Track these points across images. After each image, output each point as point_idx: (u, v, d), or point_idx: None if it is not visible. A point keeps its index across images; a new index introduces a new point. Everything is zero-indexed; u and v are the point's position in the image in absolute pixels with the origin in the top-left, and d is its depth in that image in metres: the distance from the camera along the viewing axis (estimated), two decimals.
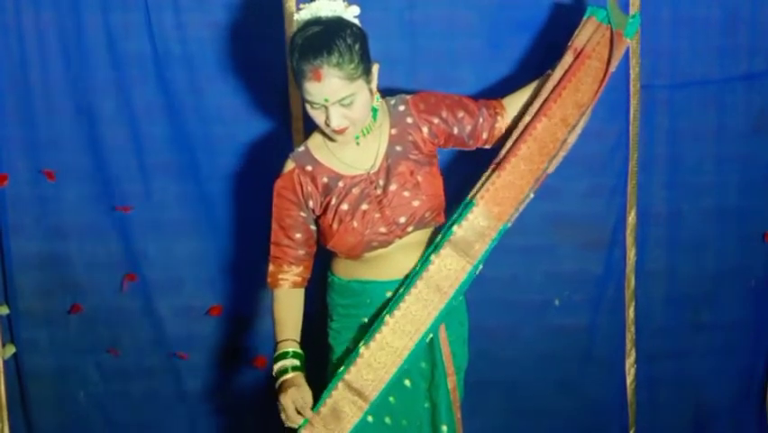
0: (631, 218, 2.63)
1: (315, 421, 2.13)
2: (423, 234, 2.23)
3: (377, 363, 2.14)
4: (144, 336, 2.75)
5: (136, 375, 2.78)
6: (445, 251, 2.15)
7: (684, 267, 2.70)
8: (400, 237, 2.18)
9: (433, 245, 2.19)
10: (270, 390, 2.74)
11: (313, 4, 2.05)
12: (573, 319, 2.71)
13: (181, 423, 2.82)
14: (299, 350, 2.18)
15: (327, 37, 1.99)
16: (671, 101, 2.58)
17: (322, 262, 2.35)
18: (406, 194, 2.16)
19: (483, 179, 2.21)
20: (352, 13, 2.07)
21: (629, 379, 2.75)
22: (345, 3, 2.07)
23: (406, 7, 2.48)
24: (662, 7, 2.49)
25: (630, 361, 2.74)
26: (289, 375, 2.13)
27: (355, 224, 2.15)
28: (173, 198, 2.65)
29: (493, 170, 2.20)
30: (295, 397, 2.10)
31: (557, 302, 2.70)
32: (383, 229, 2.16)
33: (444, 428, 2.26)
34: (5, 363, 2.74)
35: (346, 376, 2.14)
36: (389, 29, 2.46)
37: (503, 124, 2.27)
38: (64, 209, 2.66)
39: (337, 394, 2.14)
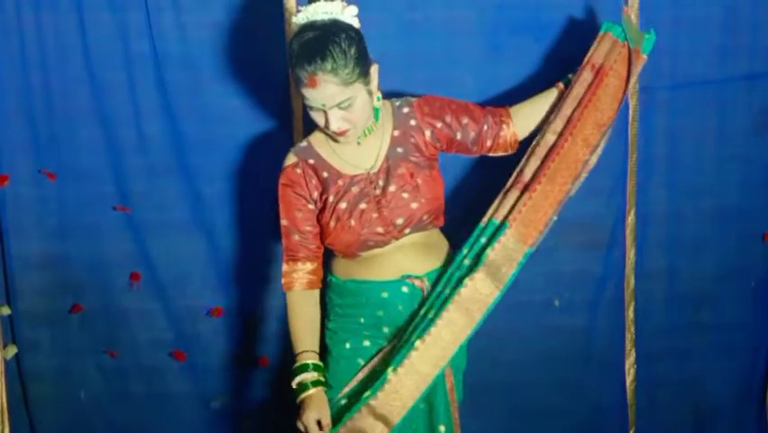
0: (630, 218, 2.63)
1: None
2: (420, 236, 2.22)
3: (403, 388, 2.13)
4: (145, 336, 2.75)
5: (136, 375, 2.78)
6: (479, 275, 2.13)
7: (684, 267, 2.70)
8: (397, 238, 2.18)
9: (460, 267, 2.17)
10: (272, 390, 2.76)
11: (309, 8, 2.03)
12: (573, 320, 2.71)
13: (181, 423, 2.83)
14: (319, 362, 2.18)
15: (321, 43, 1.98)
16: (671, 101, 2.58)
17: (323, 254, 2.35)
18: (405, 196, 2.16)
19: (508, 199, 2.19)
20: (349, 14, 2.06)
21: (629, 379, 2.75)
22: (343, 3, 2.05)
23: (405, 8, 2.48)
24: (662, 7, 2.49)
25: (630, 361, 2.74)
26: (311, 391, 2.13)
27: (353, 222, 2.15)
28: (173, 198, 2.65)
29: (523, 191, 2.18)
30: (310, 422, 2.11)
31: (557, 303, 2.70)
32: (380, 229, 2.16)
33: (442, 428, 2.25)
34: (7, 363, 2.74)
35: (372, 402, 2.12)
36: (388, 29, 2.46)
37: (508, 132, 2.26)
38: (64, 209, 2.66)
39: (360, 417, 2.13)
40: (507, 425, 2.78)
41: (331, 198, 2.17)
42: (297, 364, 2.17)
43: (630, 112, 2.55)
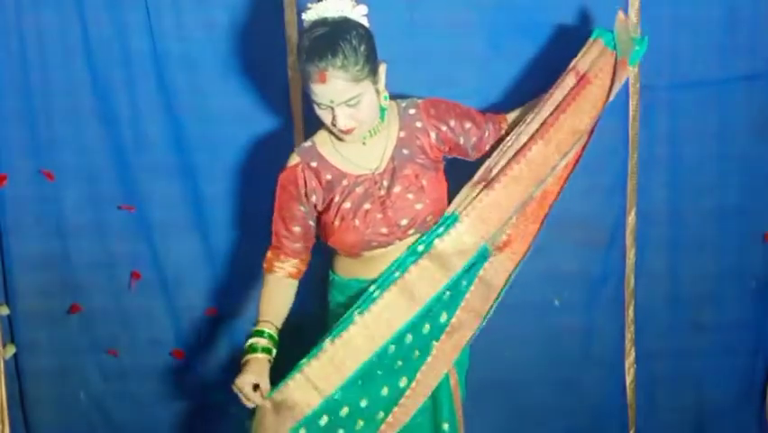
0: (631, 218, 2.63)
1: (266, 409, 2.11)
2: None
3: (338, 359, 2.12)
4: (144, 336, 2.75)
5: (136, 375, 2.78)
6: (424, 262, 2.14)
7: (684, 267, 2.71)
8: (400, 239, 2.18)
9: (412, 253, 2.16)
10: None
11: (320, 4, 2.03)
12: (573, 319, 2.72)
13: (181, 423, 2.83)
14: (275, 335, 2.16)
15: (332, 39, 1.98)
16: (671, 101, 2.58)
17: (323, 261, 2.36)
18: (410, 197, 2.16)
19: (469, 193, 2.18)
20: (359, 13, 2.06)
21: (629, 379, 2.75)
22: (353, 2, 2.05)
23: (406, 8, 2.48)
24: (662, 7, 2.49)
25: (630, 361, 2.74)
26: (257, 355, 2.12)
27: (357, 222, 2.15)
28: (173, 198, 2.65)
29: (483, 187, 2.17)
30: (244, 385, 2.08)
31: (557, 302, 2.70)
32: (384, 230, 2.16)
33: (446, 426, 2.26)
34: (6, 362, 2.73)
35: (306, 369, 2.12)
36: (390, 29, 2.44)
37: None
38: (64, 209, 2.66)
39: (293, 384, 2.12)
40: (506, 424, 2.78)
41: (336, 198, 2.17)
42: (255, 329, 2.16)
43: (630, 112, 2.55)
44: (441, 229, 2.16)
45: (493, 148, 2.26)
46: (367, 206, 2.15)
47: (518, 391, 2.76)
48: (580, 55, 2.23)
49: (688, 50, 2.54)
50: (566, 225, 2.62)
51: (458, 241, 2.15)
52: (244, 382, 2.09)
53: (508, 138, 2.21)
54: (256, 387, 2.10)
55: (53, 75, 2.56)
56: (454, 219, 2.16)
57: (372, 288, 2.16)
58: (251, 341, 2.14)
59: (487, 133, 2.26)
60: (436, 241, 2.15)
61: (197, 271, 2.71)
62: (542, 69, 2.50)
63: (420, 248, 2.16)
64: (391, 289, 2.14)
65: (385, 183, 2.17)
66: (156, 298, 2.72)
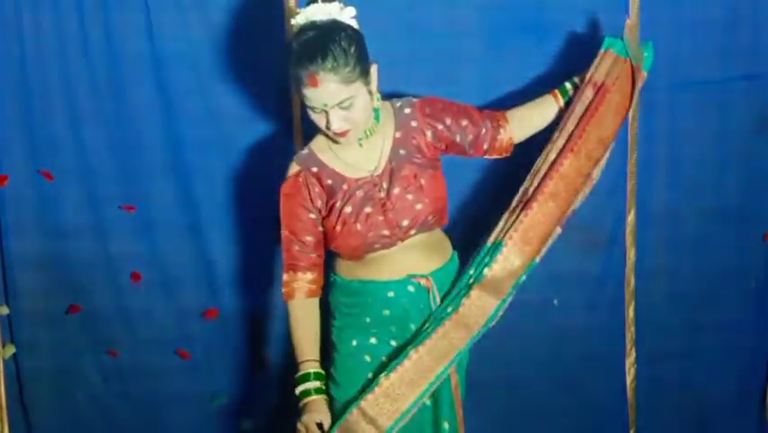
0: (631, 218, 2.63)
1: None
2: (425, 236, 2.23)
3: (395, 393, 2.15)
4: (144, 336, 2.75)
5: (136, 375, 2.78)
6: (476, 293, 2.18)
7: (684, 267, 2.71)
8: (402, 240, 2.18)
9: (463, 285, 2.20)
10: (272, 390, 2.76)
11: (308, 9, 2.04)
12: (573, 319, 2.71)
13: (181, 423, 2.82)
14: (320, 370, 2.20)
15: (322, 42, 1.98)
16: (671, 101, 2.58)
17: (324, 262, 2.36)
18: (410, 197, 2.16)
19: (508, 219, 2.22)
20: (348, 15, 2.06)
21: (629, 379, 2.75)
22: (341, 4, 2.05)
23: (405, 8, 2.48)
24: (662, 7, 2.49)
25: (630, 361, 2.74)
26: (313, 397, 2.16)
27: (358, 226, 2.15)
28: (173, 198, 2.65)
29: (521, 209, 2.20)
30: (309, 423, 2.14)
31: (557, 302, 2.70)
32: (386, 232, 2.16)
33: (446, 425, 2.28)
34: (5, 363, 2.73)
35: (362, 403, 2.15)
36: (389, 29, 2.45)
37: (504, 136, 2.27)
38: (64, 209, 2.66)
39: (352, 419, 2.15)
40: (506, 424, 2.78)
41: (338, 203, 2.17)
42: (300, 373, 2.19)
43: (630, 112, 2.54)
44: (487, 258, 2.19)
45: (494, 149, 2.27)
46: (368, 209, 2.15)
47: (518, 390, 2.76)
48: (593, 68, 2.26)
49: (688, 51, 2.54)
50: (566, 226, 2.62)
51: (507, 263, 2.19)
52: (310, 420, 2.14)
53: (539, 159, 2.25)
54: (320, 426, 2.15)
55: (53, 75, 2.55)
56: (499, 245, 2.19)
57: (429, 325, 2.19)
58: (301, 388, 2.17)
59: (484, 130, 2.26)
60: (485, 270, 2.18)
61: (197, 271, 2.70)
62: (542, 69, 2.50)
63: (471, 281, 2.19)
64: (445, 324, 2.17)
65: (384, 185, 2.17)
66: (156, 298, 2.72)
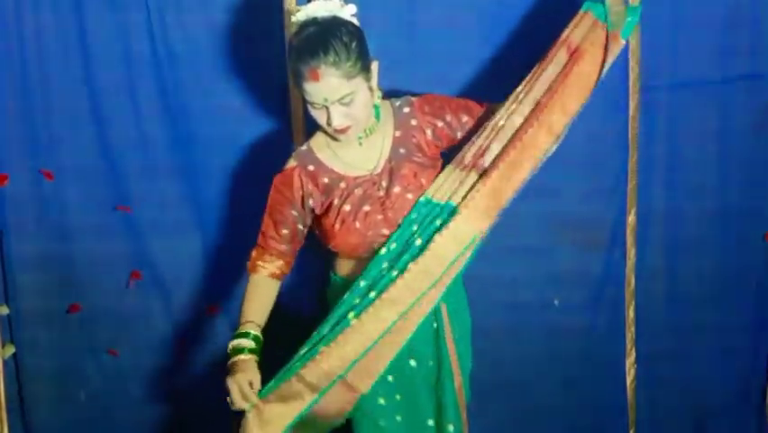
0: (631, 218, 2.63)
1: (261, 407, 2.10)
2: None
3: (330, 362, 2.11)
4: (144, 336, 2.75)
5: (136, 375, 2.78)
6: (424, 260, 2.11)
7: (684, 267, 2.70)
8: None
9: (410, 246, 2.13)
10: None
11: (309, 6, 2.05)
12: (573, 319, 2.71)
13: (181, 423, 2.82)
14: (260, 335, 2.15)
15: (323, 37, 1.99)
16: (671, 101, 2.58)
17: (322, 262, 2.35)
18: (410, 196, 2.16)
19: (459, 178, 2.14)
20: (348, 12, 2.07)
21: (629, 379, 2.75)
22: (341, 2, 2.07)
23: (405, 8, 2.48)
24: (662, 7, 2.49)
25: (630, 361, 2.74)
26: (243, 357, 2.10)
27: (357, 225, 2.15)
28: (173, 198, 2.65)
29: (480, 176, 2.14)
30: (242, 382, 2.06)
31: (557, 302, 2.70)
32: (385, 231, 2.16)
33: (451, 427, 2.27)
34: (5, 362, 2.73)
35: (301, 371, 2.11)
36: (389, 29, 2.45)
37: None
38: (64, 209, 2.66)
39: (286, 385, 2.11)
40: (506, 424, 2.78)
41: (335, 202, 2.17)
42: (239, 331, 2.14)
43: (630, 112, 2.55)
44: (438, 222, 2.13)
45: (479, 126, 2.21)
46: (366, 207, 2.15)
47: (519, 391, 2.76)
48: (570, 27, 2.18)
49: (688, 50, 2.54)
50: (566, 226, 2.63)
51: (456, 232, 2.12)
52: (240, 379, 2.06)
53: (499, 117, 2.17)
54: (250, 385, 2.09)
55: (53, 75, 2.56)
56: (452, 211, 2.13)
57: (369, 290, 2.13)
58: (233, 344, 2.12)
59: None
60: (436, 236, 2.11)
61: (197, 270, 2.70)
62: None
63: (418, 242, 2.14)
64: (390, 290, 2.11)
65: (384, 184, 2.17)
66: (155, 298, 2.72)
